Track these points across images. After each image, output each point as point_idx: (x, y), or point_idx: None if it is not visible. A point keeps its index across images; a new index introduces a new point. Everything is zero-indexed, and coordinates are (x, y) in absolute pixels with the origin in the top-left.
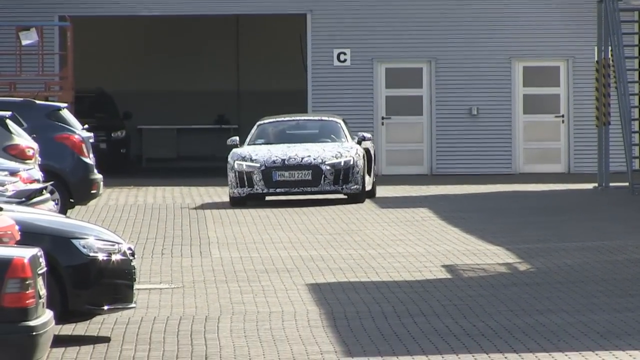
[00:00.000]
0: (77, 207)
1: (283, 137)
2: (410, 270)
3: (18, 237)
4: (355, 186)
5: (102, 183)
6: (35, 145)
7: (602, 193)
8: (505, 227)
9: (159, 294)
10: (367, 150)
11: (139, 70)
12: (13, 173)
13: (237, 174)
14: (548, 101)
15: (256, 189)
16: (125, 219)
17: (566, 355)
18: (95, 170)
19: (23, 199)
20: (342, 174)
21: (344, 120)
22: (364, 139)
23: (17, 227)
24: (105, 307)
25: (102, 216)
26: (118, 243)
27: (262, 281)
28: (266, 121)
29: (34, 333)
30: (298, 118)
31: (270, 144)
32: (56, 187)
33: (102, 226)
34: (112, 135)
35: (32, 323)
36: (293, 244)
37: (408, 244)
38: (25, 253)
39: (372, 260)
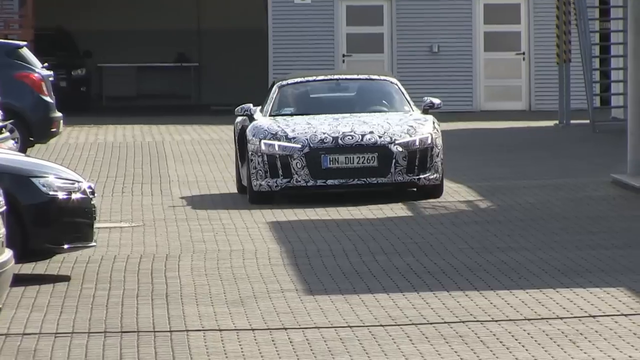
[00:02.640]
0: (37, 146)
1: (320, 104)
2: (371, 208)
3: None
4: (434, 175)
5: (62, 121)
6: None
7: (563, 130)
8: (466, 164)
9: (119, 232)
10: None
11: (99, 9)
12: None
13: (265, 158)
14: (509, 38)
15: (296, 181)
16: (85, 157)
17: (527, 292)
18: (55, 109)
19: None
20: (419, 158)
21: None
22: (432, 105)
23: None
24: (66, 246)
25: (62, 155)
26: (78, 182)
27: (223, 219)
28: (290, 81)
29: None
30: (337, 77)
31: (303, 114)
32: (16, 126)
33: (62, 165)
34: (72, 73)
35: None
36: None
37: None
38: None
39: (332, 197)
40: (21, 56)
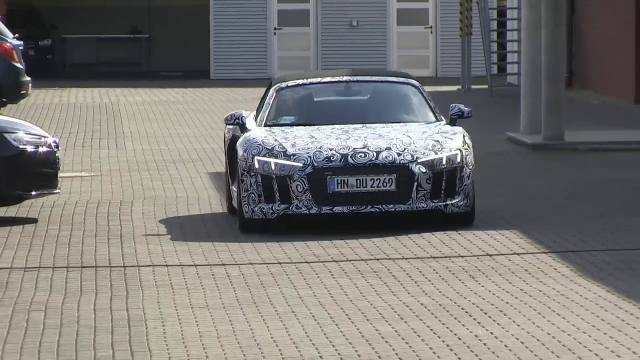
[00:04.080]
0: (9, 106)
1: (326, 113)
2: None
3: None
4: (463, 201)
5: (31, 85)
6: None
7: (465, 95)
8: None
9: (80, 181)
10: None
11: None
12: None
13: (259, 179)
14: (419, 14)
15: (297, 207)
16: (51, 116)
17: (433, 234)
18: (25, 74)
19: None
20: (446, 180)
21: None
22: (461, 114)
23: None
24: (34, 193)
25: (30, 114)
26: (44, 137)
27: (170, 170)
28: (291, 84)
29: None
30: (347, 78)
31: (305, 124)
32: None
33: (31, 122)
34: (40, 43)
35: None
36: (197, 138)
37: None
38: None
39: None
40: None
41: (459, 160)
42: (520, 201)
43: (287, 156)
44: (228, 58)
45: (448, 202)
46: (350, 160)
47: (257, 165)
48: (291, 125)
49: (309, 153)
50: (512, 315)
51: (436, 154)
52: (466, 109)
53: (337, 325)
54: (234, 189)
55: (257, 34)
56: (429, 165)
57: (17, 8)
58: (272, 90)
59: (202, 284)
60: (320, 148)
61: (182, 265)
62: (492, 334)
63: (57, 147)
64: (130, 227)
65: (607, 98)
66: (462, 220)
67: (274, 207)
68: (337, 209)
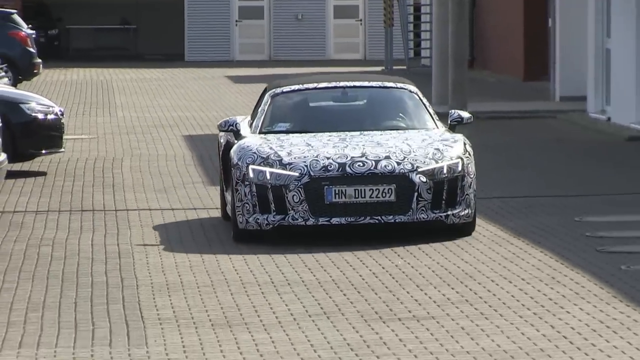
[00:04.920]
0: (24, 82)
1: (322, 119)
2: None
3: None
4: (465, 211)
5: (41, 65)
6: None
7: (387, 72)
8: None
9: (80, 142)
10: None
11: None
12: None
13: (254, 188)
14: (350, 9)
15: (292, 218)
16: (57, 90)
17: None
18: (37, 57)
19: None
20: (446, 190)
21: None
22: (460, 120)
23: None
24: (43, 151)
25: (41, 89)
26: (52, 106)
27: (152, 133)
28: (286, 89)
29: None
30: (343, 84)
31: (301, 131)
32: (9, 69)
33: (41, 95)
34: (48, 32)
35: None
36: (174, 107)
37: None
38: None
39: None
40: (13, 20)
41: (459, 168)
42: None
43: (283, 165)
44: (199, 44)
45: (449, 212)
46: (348, 169)
47: (251, 174)
48: (286, 132)
49: (305, 162)
50: (427, 250)
51: (436, 162)
52: (465, 115)
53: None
54: (228, 196)
55: (222, 25)
56: (430, 174)
57: (30, 4)
58: (266, 96)
59: (177, 225)
60: (316, 156)
61: (161, 209)
62: (405, 266)
63: (62, 114)
64: (121, 178)
65: (501, 76)
66: (459, 231)
67: (268, 218)
68: (334, 220)
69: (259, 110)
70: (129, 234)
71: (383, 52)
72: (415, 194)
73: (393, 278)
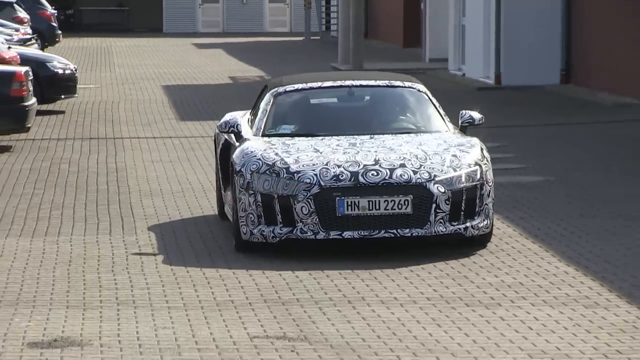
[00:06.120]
0: (49, 47)
1: (329, 121)
2: (225, 75)
3: (19, 62)
4: (484, 222)
5: (61, 35)
6: (27, 17)
7: (306, 42)
8: (252, 58)
9: (89, 90)
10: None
11: None
12: (17, 30)
13: (259, 198)
14: None
15: (301, 231)
16: (73, 53)
17: None
18: (58, 29)
19: (22, 43)
20: (465, 200)
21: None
22: (471, 121)
23: (18, 56)
24: (62, 96)
25: (61, 52)
26: (68, 64)
27: (139, 84)
28: (289, 88)
29: (27, 109)
30: (349, 83)
31: (307, 134)
32: (38, 37)
33: (61, 56)
34: (66, 12)
35: (25, 103)
36: (156, 66)
37: (210, 65)
38: (22, 69)
39: (201, 73)
40: (40, 2)
41: (478, 176)
42: None
43: (290, 173)
44: (173, 20)
45: (467, 224)
46: (361, 178)
47: (255, 184)
48: (291, 135)
49: (314, 170)
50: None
51: (454, 170)
52: (477, 115)
53: None
54: (227, 196)
55: (190, 6)
56: (448, 183)
57: None
58: (268, 95)
59: (158, 148)
60: (326, 164)
61: (146, 138)
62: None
63: (76, 70)
64: (117, 115)
65: (387, 44)
66: (475, 243)
67: (275, 230)
68: (347, 234)
69: (261, 110)
70: (123, 155)
71: (303, 26)
72: (434, 205)
73: (429, 300)
